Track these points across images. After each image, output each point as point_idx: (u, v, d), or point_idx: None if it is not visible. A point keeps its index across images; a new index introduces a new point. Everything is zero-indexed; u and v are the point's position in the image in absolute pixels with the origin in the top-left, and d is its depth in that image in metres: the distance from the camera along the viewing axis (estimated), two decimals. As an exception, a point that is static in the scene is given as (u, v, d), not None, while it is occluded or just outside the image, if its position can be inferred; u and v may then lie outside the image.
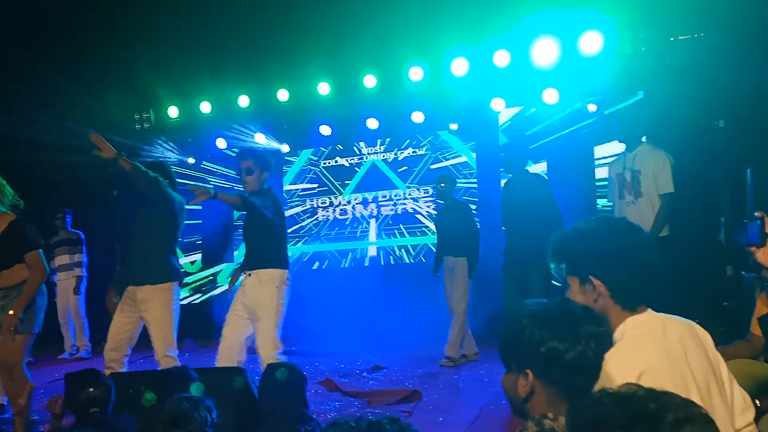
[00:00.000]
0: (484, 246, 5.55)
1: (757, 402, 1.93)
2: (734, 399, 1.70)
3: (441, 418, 4.01)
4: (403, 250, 7.70)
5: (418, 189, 7.70)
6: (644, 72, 5.70)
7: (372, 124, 7.42)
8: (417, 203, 7.70)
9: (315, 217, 8.29)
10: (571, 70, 6.07)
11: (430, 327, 6.00)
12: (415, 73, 6.72)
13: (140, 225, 3.97)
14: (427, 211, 7.52)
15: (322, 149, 8.20)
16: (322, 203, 8.28)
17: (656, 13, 5.72)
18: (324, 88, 7.16)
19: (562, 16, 5.99)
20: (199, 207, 6.81)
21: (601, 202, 5.98)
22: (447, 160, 7.56)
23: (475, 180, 7.48)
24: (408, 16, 6.34)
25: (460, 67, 6.49)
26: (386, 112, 7.30)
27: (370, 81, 6.93)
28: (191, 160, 8.31)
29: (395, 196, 7.86)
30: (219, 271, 8.43)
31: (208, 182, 7.65)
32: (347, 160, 8.19)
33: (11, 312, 3.54)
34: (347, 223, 8.10)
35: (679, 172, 4.55)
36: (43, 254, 3.77)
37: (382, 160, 7.99)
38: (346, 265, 8.04)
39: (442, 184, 5.57)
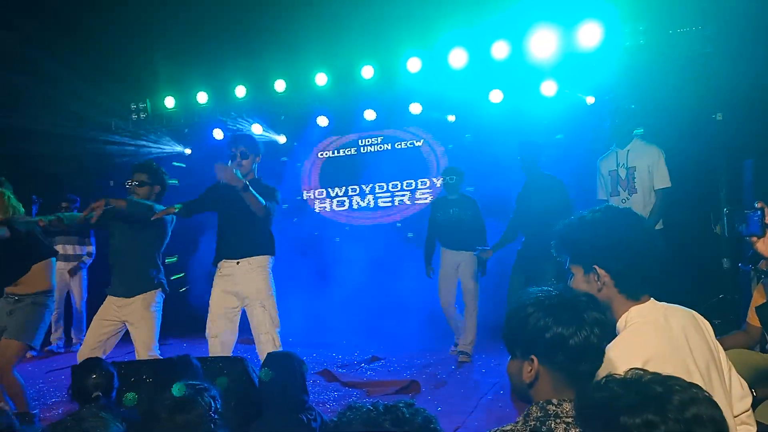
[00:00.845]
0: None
1: (754, 392, 1.96)
2: (732, 386, 1.74)
3: (439, 408, 4.04)
4: (400, 242, 7.70)
5: (415, 181, 7.71)
6: (643, 65, 5.70)
7: (369, 115, 7.40)
8: (414, 195, 7.70)
9: (312, 208, 8.28)
10: (569, 62, 6.06)
11: (427, 318, 6.02)
12: (413, 64, 6.70)
13: (127, 235, 3.95)
14: (425, 203, 7.51)
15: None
16: (319, 195, 8.27)
17: (655, 6, 5.72)
18: (321, 79, 7.12)
19: (560, 8, 5.99)
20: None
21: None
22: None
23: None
24: (406, 6, 6.31)
25: (458, 57, 6.48)
26: (384, 103, 7.28)
27: (367, 72, 6.90)
28: (188, 151, 8.28)
29: (393, 188, 7.86)
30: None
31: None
32: (344, 151, 8.18)
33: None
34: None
35: (677, 165, 4.58)
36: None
37: (380, 150, 7.98)
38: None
39: (451, 178, 5.48)
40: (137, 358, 3.90)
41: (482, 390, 4.46)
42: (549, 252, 4.83)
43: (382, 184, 7.91)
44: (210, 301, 3.97)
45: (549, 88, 6.24)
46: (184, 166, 7.74)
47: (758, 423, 1.85)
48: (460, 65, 6.49)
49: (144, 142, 7.85)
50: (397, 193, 7.82)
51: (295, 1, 6.85)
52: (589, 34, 5.86)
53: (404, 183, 7.80)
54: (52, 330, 6.76)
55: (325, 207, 8.21)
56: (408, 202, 7.73)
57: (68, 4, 7.10)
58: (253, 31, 7.14)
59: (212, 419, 1.92)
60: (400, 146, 7.89)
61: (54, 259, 3.96)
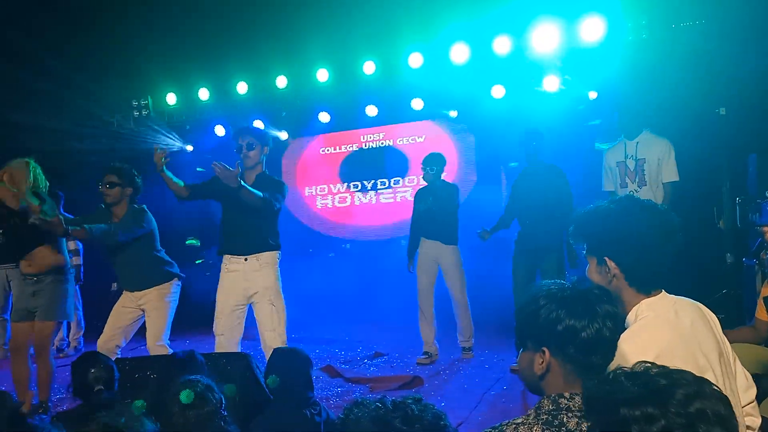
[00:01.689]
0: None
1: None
2: (737, 377, 1.74)
3: (443, 403, 4.04)
4: (403, 239, 7.70)
5: (417, 177, 7.70)
6: (646, 59, 5.68)
7: (371, 111, 7.39)
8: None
9: (314, 204, 8.28)
10: (572, 57, 6.05)
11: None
12: (415, 60, 6.69)
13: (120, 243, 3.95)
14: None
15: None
16: (321, 191, 8.27)
17: (658, 1, 5.70)
18: (323, 75, 7.11)
19: (563, 1, 5.97)
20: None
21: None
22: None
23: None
24: (407, 1, 6.29)
25: (460, 53, 6.46)
26: (386, 99, 7.27)
27: (369, 67, 6.89)
28: (189, 148, 8.28)
29: (395, 183, 7.86)
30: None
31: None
32: (345, 147, 8.18)
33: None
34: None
35: (680, 160, 4.56)
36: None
37: (382, 146, 7.97)
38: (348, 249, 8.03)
39: (432, 168, 5.17)
40: (147, 345, 3.94)
41: (485, 385, 4.47)
42: (551, 243, 4.81)
43: (384, 180, 7.90)
44: (216, 299, 3.97)
45: (551, 83, 6.23)
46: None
47: (762, 417, 1.85)
48: (462, 61, 6.48)
49: (146, 139, 7.84)
50: (399, 189, 7.82)
51: (297, -2, 6.85)
52: (592, 29, 5.84)
53: (406, 179, 7.79)
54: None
55: (327, 203, 8.21)
56: (410, 198, 7.72)
57: (70, 2, 7.08)
58: (254, 28, 7.13)
59: (222, 415, 1.93)
60: (401, 142, 7.88)
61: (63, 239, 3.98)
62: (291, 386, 2.58)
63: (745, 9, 5.03)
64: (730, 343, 1.79)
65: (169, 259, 4.12)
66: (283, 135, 8.03)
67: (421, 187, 5.47)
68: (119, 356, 3.81)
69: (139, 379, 2.90)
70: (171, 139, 7.99)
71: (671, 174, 4.43)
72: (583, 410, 1.31)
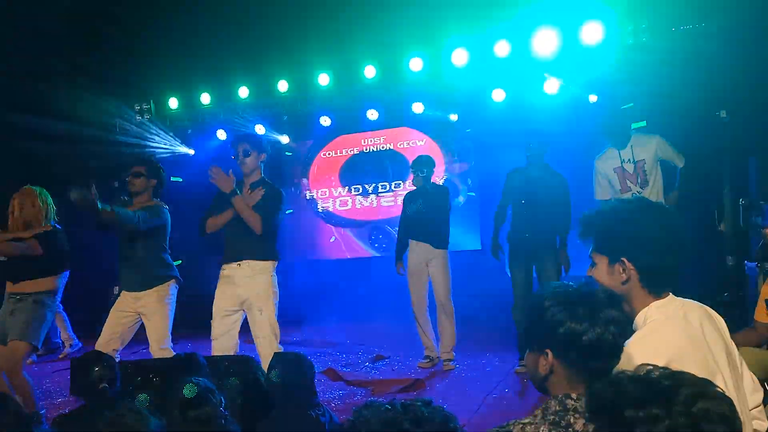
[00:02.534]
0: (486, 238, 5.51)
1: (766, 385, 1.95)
2: (744, 380, 1.73)
3: (444, 406, 4.03)
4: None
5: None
6: (646, 62, 5.68)
7: (372, 114, 7.41)
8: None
9: (314, 207, 8.29)
10: (572, 60, 6.06)
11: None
12: (416, 64, 6.70)
13: (133, 232, 3.94)
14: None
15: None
16: (322, 194, 8.28)
17: (658, 3, 5.71)
18: (324, 79, 7.13)
19: (562, 6, 5.98)
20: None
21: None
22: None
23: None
24: (408, 6, 6.30)
25: (460, 57, 6.48)
26: (386, 103, 7.28)
27: (370, 71, 6.91)
28: (191, 152, 8.30)
29: (396, 187, 7.87)
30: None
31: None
32: (346, 151, 8.19)
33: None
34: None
35: (681, 163, 4.59)
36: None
37: (383, 150, 7.98)
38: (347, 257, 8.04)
39: (422, 170, 5.07)
40: (150, 350, 3.93)
41: (487, 388, 4.46)
42: (550, 245, 4.77)
43: (385, 183, 7.91)
44: (213, 304, 3.98)
45: (551, 86, 6.24)
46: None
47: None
48: (462, 64, 6.50)
49: (148, 143, 7.86)
50: (400, 193, 7.82)
51: (298, 2, 6.85)
52: (592, 33, 5.85)
53: (407, 182, 7.79)
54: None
55: (328, 206, 8.21)
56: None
57: (71, 5, 7.10)
58: (256, 32, 7.14)
59: (223, 416, 1.93)
60: (402, 146, 7.89)
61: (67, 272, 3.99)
62: (294, 392, 2.58)
63: (746, 12, 5.04)
64: (737, 346, 1.79)
65: (171, 261, 4.13)
66: (285, 139, 8.05)
67: (411, 190, 5.37)
68: (120, 359, 3.81)
69: (141, 381, 2.90)
70: (171, 142, 8.01)
71: (680, 160, 4.58)
72: (587, 414, 1.31)
